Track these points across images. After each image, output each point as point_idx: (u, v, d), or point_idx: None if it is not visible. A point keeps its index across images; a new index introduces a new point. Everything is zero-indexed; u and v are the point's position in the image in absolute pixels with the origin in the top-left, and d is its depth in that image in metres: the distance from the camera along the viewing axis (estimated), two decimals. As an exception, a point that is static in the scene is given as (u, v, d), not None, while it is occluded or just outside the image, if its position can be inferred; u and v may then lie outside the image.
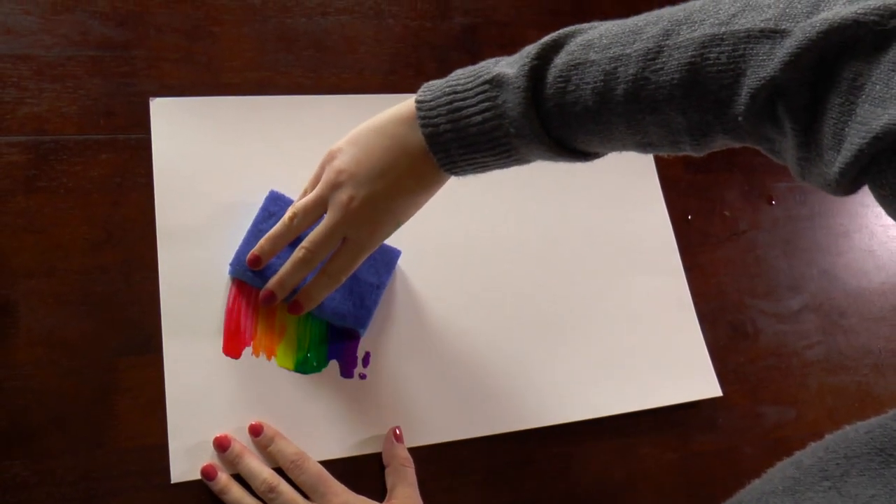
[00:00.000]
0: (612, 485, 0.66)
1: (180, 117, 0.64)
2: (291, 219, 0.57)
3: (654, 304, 0.72)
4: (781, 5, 0.40)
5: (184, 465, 0.55)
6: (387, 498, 0.58)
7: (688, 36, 0.42)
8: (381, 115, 0.54)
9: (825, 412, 0.75)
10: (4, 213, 0.58)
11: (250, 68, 0.68)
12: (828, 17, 0.38)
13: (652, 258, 0.74)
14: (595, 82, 0.45)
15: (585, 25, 0.49)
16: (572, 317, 0.70)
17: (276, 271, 0.59)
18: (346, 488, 0.56)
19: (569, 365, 0.68)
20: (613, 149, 0.50)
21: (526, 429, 0.64)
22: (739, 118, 0.41)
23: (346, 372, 0.62)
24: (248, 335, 0.60)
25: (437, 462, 0.61)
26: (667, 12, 0.45)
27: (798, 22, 0.39)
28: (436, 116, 0.50)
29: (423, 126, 0.51)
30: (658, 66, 0.43)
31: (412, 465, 0.59)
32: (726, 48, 0.41)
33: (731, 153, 0.81)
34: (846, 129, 0.37)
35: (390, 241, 0.59)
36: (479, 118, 0.49)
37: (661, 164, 0.78)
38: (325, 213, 0.55)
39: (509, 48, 0.78)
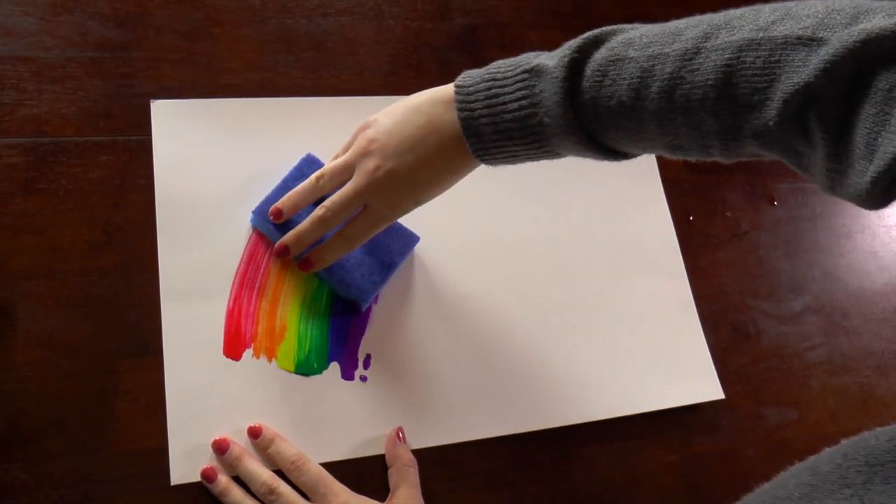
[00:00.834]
0: (613, 486, 0.65)
1: (181, 119, 0.64)
2: (318, 179, 0.59)
3: (656, 306, 0.72)
4: (820, 15, 0.40)
5: (184, 468, 0.55)
6: (388, 498, 0.58)
7: (726, 39, 0.43)
8: (420, 93, 0.56)
9: (827, 414, 0.74)
10: (3, 214, 0.58)
11: (250, 69, 0.68)
12: (866, 27, 0.38)
13: (654, 259, 0.74)
14: (631, 78, 0.46)
15: (626, 26, 0.50)
16: (574, 318, 0.69)
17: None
18: (346, 488, 0.56)
19: (570, 367, 0.67)
20: (642, 149, 0.50)
21: (527, 431, 0.64)
22: (770, 123, 0.41)
23: (347, 374, 0.61)
24: (249, 337, 0.60)
25: (437, 464, 0.61)
26: (707, 17, 0.46)
27: (835, 31, 0.39)
28: (473, 101, 0.51)
29: (459, 110, 0.52)
30: (695, 66, 0.44)
31: (416, 466, 0.59)
32: (763, 53, 0.41)
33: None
34: (879, 139, 0.37)
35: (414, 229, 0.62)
36: (515, 105, 0.50)
37: (663, 165, 0.78)
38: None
39: (510, 49, 0.78)
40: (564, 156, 0.53)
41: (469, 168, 0.56)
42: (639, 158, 0.53)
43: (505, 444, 0.63)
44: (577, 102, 0.48)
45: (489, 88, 0.51)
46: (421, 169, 0.54)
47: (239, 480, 0.56)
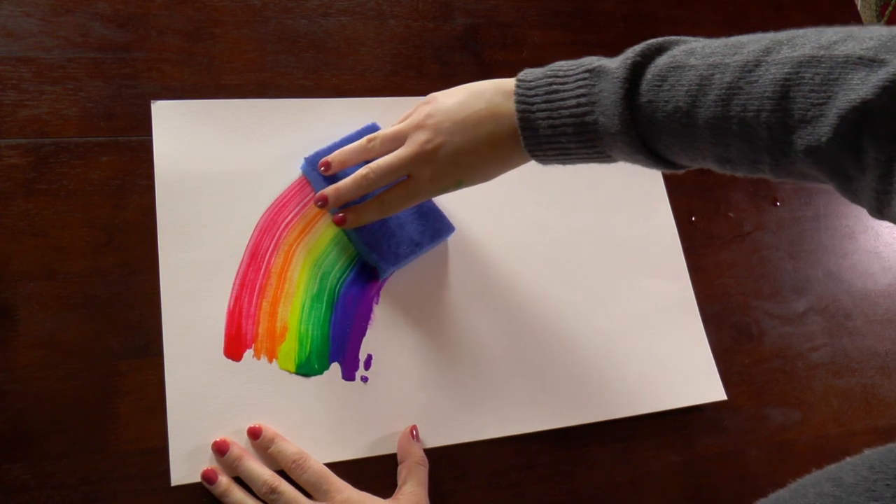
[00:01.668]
0: (616, 487, 0.65)
1: (182, 120, 0.64)
2: (370, 141, 0.61)
3: (659, 308, 0.72)
4: (884, 38, 0.41)
5: (184, 468, 0.55)
6: (395, 493, 0.58)
7: (787, 54, 0.43)
8: (485, 81, 0.58)
9: (831, 415, 0.74)
10: (4, 215, 0.58)
11: (251, 70, 0.68)
12: None
13: (657, 261, 0.74)
14: (690, 85, 0.47)
15: (689, 37, 0.51)
16: (577, 319, 0.69)
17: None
18: (348, 485, 0.57)
19: (573, 368, 0.67)
20: (692, 159, 0.50)
21: (530, 432, 0.64)
22: (823, 139, 0.41)
23: (348, 375, 0.61)
24: (250, 337, 0.60)
25: (439, 465, 0.61)
26: (770, 34, 0.46)
27: None
28: (533, 95, 0.53)
29: (518, 102, 0.53)
30: (754, 77, 0.44)
31: (426, 466, 0.59)
32: (822, 70, 0.42)
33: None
34: None
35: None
36: (573, 101, 0.51)
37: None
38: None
39: (512, 49, 0.78)
40: (614, 160, 0.54)
41: (516, 162, 0.58)
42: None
43: (508, 445, 0.63)
44: (635, 104, 0.49)
45: (550, 84, 0.53)
46: (469, 152, 0.56)
47: (240, 482, 0.56)
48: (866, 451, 0.38)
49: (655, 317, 0.72)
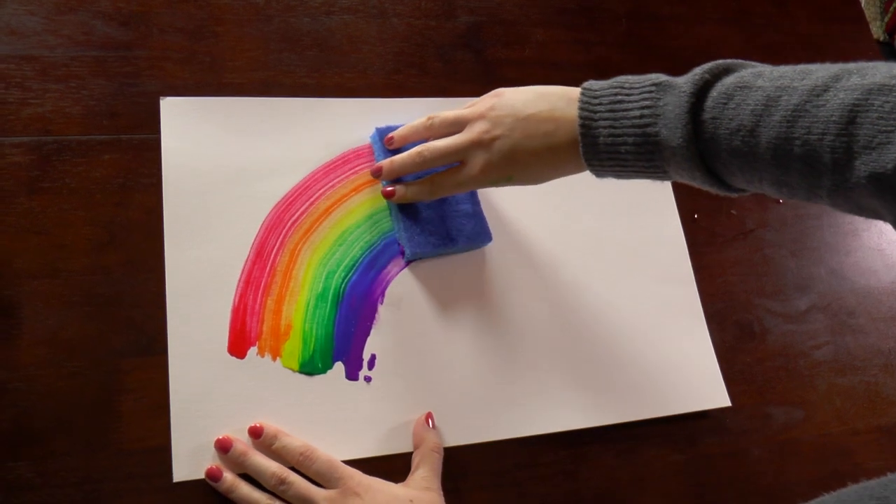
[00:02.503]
0: (619, 486, 0.65)
1: (190, 117, 0.64)
2: (430, 119, 0.62)
3: (664, 312, 0.72)
4: None
5: (187, 466, 0.55)
6: (407, 479, 0.58)
7: (857, 81, 0.44)
8: (552, 86, 0.58)
9: (834, 413, 0.74)
10: (8, 213, 0.58)
11: (253, 68, 0.68)
12: None
13: (664, 265, 0.74)
14: (756, 105, 0.47)
15: (756, 63, 0.51)
16: (582, 323, 0.69)
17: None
18: (357, 471, 0.57)
19: (577, 371, 0.67)
20: (749, 180, 0.50)
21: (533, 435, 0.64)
22: (889, 166, 0.41)
23: (352, 374, 0.61)
24: (254, 335, 0.60)
25: (443, 465, 0.61)
26: (839, 64, 0.47)
27: None
28: (597, 104, 0.54)
29: (581, 108, 0.54)
30: (821, 101, 0.44)
31: (441, 453, 0.60)
32: (892, 98, 0.42)
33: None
34: None
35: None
36: (637, 112, 0.52)
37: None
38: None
39: (515, 47, 0.78)
40: (669, 177, 0.54)
41: (568, 170, 0.58)
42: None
43: (511, 444, 0.63)
44: (699, 119, 0.49)
45: (615, 94, 0.53)
46: (524, 151, 0.57)
47: (248, 479, 0.56)
48: (891, 476, 0.38)
49: (661, 322, 0.71)
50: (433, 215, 0.65)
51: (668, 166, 0.52)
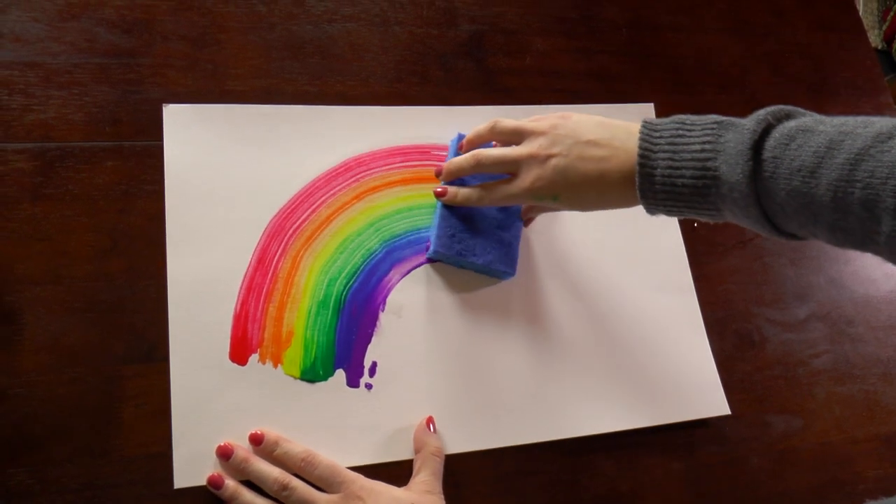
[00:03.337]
0: (618, 495, 0.65)
1: (193, 124, 0.65)
2: (495, 123, 0.63)
3: (664, 321, 0.72)
4: None
5: (188, 472, 0.55)
6: (409, 483, 0.58)
7: None
8: (615, 120, 0.59)
9: (833, 422, 0.74)
10: (10, 220, 0.58)
11: (255, 76, 0.68)
12: None
13: (663, 274, 0.74)
14: (818, 147, 0.47)
15: (814, 112, 0.52)
16: (582, 332, 0.69)
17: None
18: (360, 475, 0.57)
19: (578, 380, 0.67)
20: (804, 223, 0.49)
21: (532, 443, 0.64)
22: None
23: (352, 381, 0.61)
24: (255, 342, 0.60)
25: (443, 472, 0.61)
26: None
27: None
28: (657, 137, 0.54)
29: (642, 140, 0.54)
30: (886, 147, 0.44)
31: (441, 457, 0.60)
32: None
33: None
34: None
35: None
36: (697, 146, 0.52)
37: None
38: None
39: (515, 56, 0.78)
40: (722, 217, 0.54)
41: (615, 202, 0.58)
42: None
43: (510, 452, 0.63)
44: (759, 158, 0.49)
45: (676, 129, 0.54)
46: (576, 172, 0.57)
47: (249, 485, 0.56)
48: None
49: (661, 331, 0.71)
50: (471, 227, 0.66)
51: (723, 203, 0.52)
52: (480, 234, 0.66)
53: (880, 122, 0.46)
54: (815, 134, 0.48)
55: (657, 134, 0.54)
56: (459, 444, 0.62)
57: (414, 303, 0.65)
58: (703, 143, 0.52)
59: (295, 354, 0.61)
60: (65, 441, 0.54)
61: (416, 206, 0.68)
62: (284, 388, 0.60)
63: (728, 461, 0.69)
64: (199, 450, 0.56)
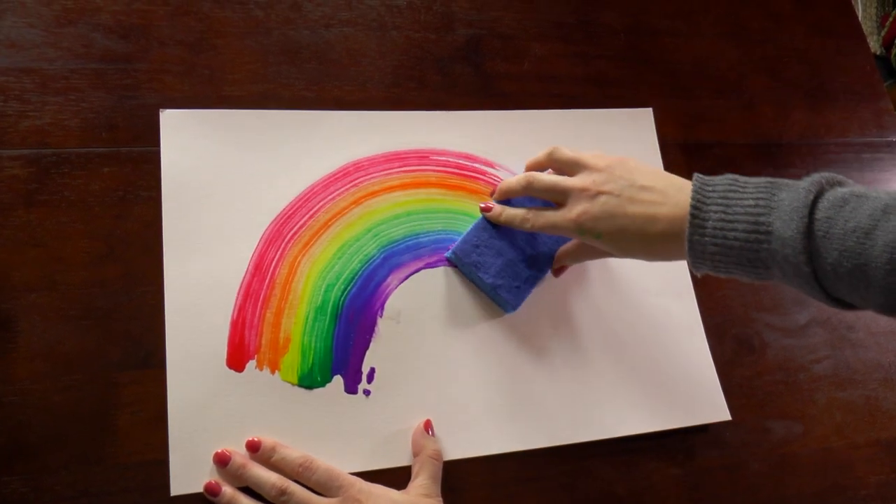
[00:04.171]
0: (617, 500, 0.65)
1: (190, 129, 0.64)
2: (554, 150, 0.63)
3: (663, 326, 0.72)
4: None
5: (185, 479, 0.55)
6: (407, 486, 0.58)
7: None
8: (673, 174, 0.59)
9: (833, 427, 0.74)
10: (5, 226, 0.58)
11: (252, 81, 0.68)
12: None
13: (663, 279, 0.73)
14: (873, 210, 0.47)
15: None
16: (581, 336, 0.69)
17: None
18: (358, 478, 0.57)
19: (576, 385, 0.67)
20: (855, 287, 0.49)
21: (531, 449, 0.64)
22: None
23: (350, 388, 0.61)
24: (253, 348, 0.60)
25: (441, 478, 0.60)
26: None
27: None
28: (710, 191, 0.54)
29: (695, 192, 0.54)
30: None
31: (440, 460, 0.60)
32: None
33: (740, 165, 0.81)
34: None
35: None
36: (751, 201, 0.52)
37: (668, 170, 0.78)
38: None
39: (513, 60, 0.78)
40: (770, 275, 0.53)
41: (657, 250, 0.58)
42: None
43: (508, 457, 0.63)
44: (813, 218, 0.49)
45: (729, 185, 0.54)
46: (623, 213, 0.57)
47: (247, 491, 0.55)
48: None
49: (660, 335, 0.71)
50: (498, 248, 0.66)
51: (773, 261, 0.51)
52: (502, 258, 0.65)
53: None
54: (868, 199, 0.48)
55: (710, 188, 0.54)
56: (458, 449, 0.62)
57: (412, 308, 0.65)
58: (757, 199, 0.52)
59: (292, 361, 0.60)
60: (60, 448, 0.54)
61: (414, 212, 0.68)
62: (282, 394, 0.59)
63: (728, 466, 0.69)
64: (196, 457, 0.56)
